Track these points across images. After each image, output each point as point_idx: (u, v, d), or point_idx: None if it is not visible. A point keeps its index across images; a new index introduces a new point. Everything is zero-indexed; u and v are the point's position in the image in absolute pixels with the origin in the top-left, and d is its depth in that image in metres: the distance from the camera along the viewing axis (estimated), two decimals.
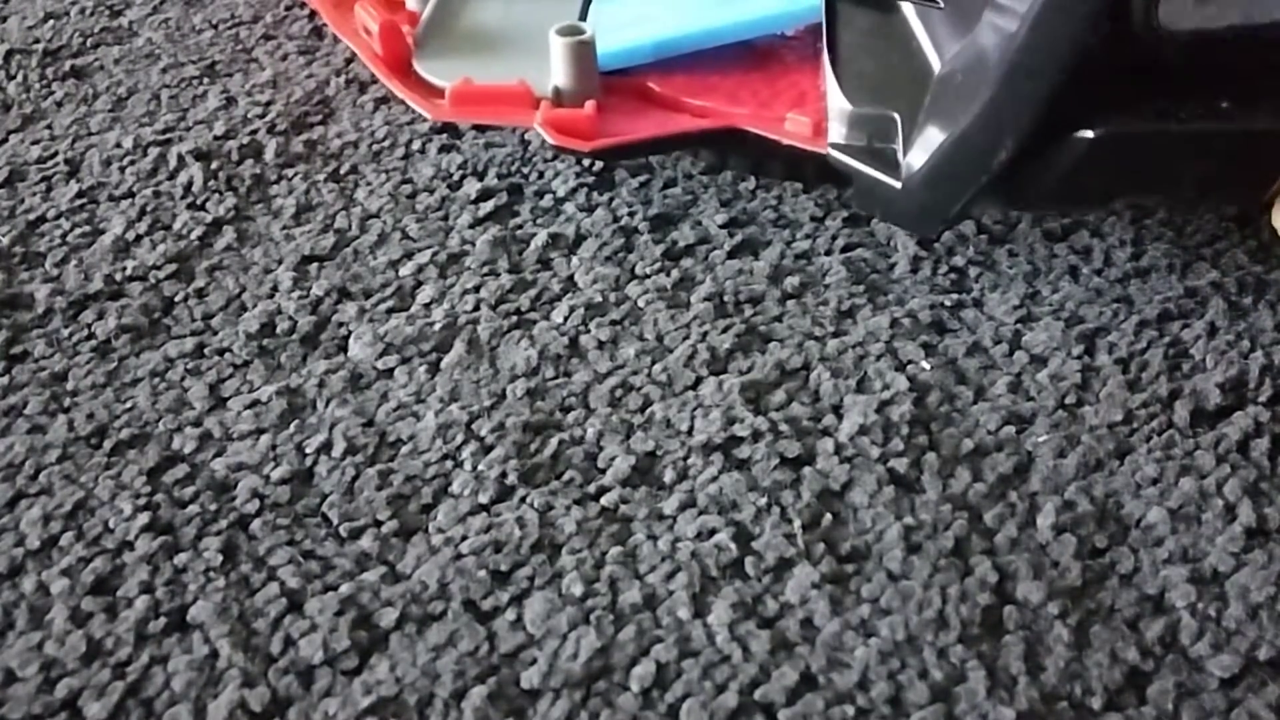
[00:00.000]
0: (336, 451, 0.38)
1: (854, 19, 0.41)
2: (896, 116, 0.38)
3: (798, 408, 0.39)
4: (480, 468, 0.37)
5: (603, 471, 0.37)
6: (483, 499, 0.36)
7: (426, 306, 0.43)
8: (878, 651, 0.32)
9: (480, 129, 0.52)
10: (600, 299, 0.43)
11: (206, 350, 0.42)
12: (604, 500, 0.36)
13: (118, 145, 0.52)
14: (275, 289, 0.44)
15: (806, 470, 0.36)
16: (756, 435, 0.37)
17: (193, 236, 0.47)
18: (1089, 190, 0.35)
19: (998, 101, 0.33)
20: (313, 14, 0.61)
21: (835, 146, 0.40)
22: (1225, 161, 0.34)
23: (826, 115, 0.41)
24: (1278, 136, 0.33)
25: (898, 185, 0.38)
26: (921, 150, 0.36)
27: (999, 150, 0.34)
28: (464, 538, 0.35)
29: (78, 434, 0.38)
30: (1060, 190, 0.35)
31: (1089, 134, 0.33)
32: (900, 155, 0.38)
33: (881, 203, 0.39)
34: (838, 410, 0.38)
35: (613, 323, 0.42)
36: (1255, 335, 0.41)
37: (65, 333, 0.42)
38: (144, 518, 0.35)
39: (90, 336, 0.42)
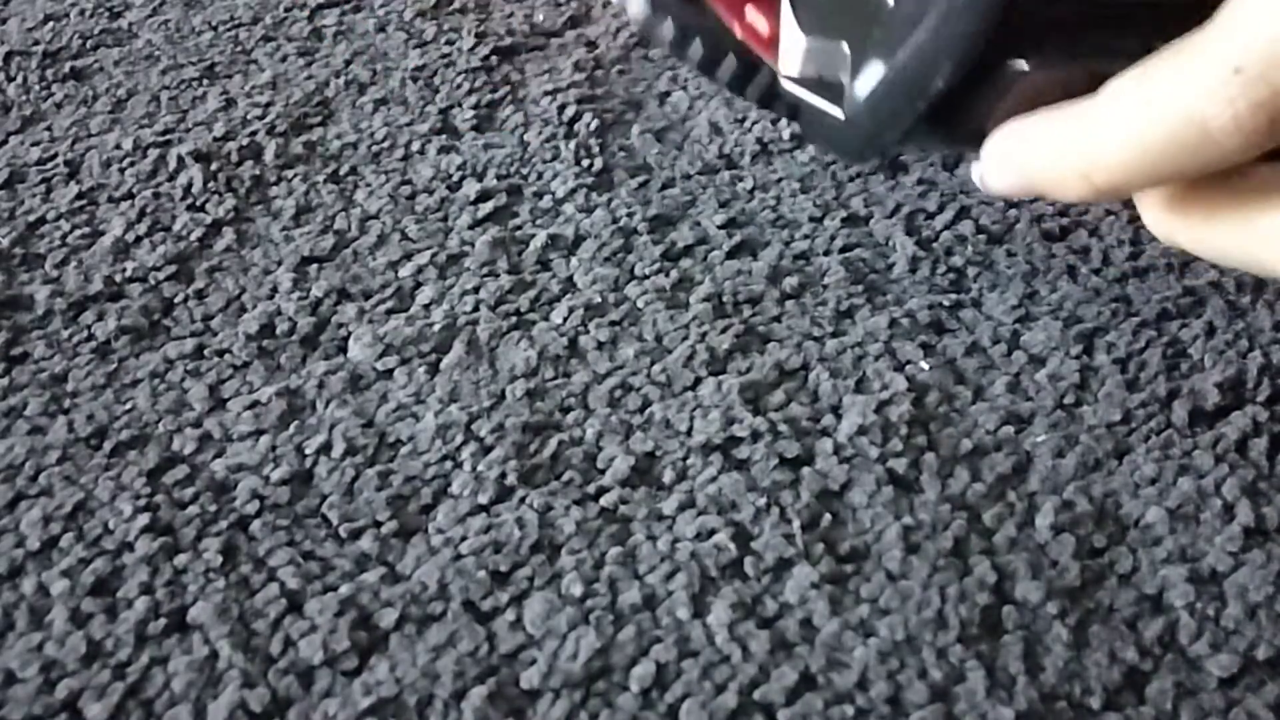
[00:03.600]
0: (336, 452, 0.38)
1: None
2: (846, 48, 0.38)
3: (796, 408, 0.39)
4: (480, 468, 0.37)
5: (602, 472, 0.37)
6: (482, 499, 0.36)
7: (426, 307, 0.43)
8: (877, 651, 0.32)
9: (479, 130, 0.53)
10: (599, 300, 0.43)
11: (206, 351, 0.42)
12: (603, 501, 0.36)
13: (117, 147, 0.52)
14: (275, 290, 0.44)
15: (805, 470, 0.36)
16: (755, 435, 0.38)
17: (192, 238, 0.47)
18: None
19: (937, 30, 0.33)
20: (312, 15, 0.61)
21: (787, 78, 0.40)
22: None
23: (780, 42, 0.41)
24: None
25: (841, 116, 0.38)
26: (866, 81, 0.37)
27: (936, 79, 0.34)
28: (463, 538, 0.35)
29: (77, 435, 0.38)
30: (995, 124, 0.35)
31: (1023, 65, 0.33)
32: (848, 87, 0.38)
33: (826, 134, 0.40)
34: (836, 410, 0.39)
35: (612, 323, 0.42)
36: (1253, 335, 0.41)
37: (65, 334, 0.42)
38: (144, 519, 0.36)
39: (90, 338, 0.42)
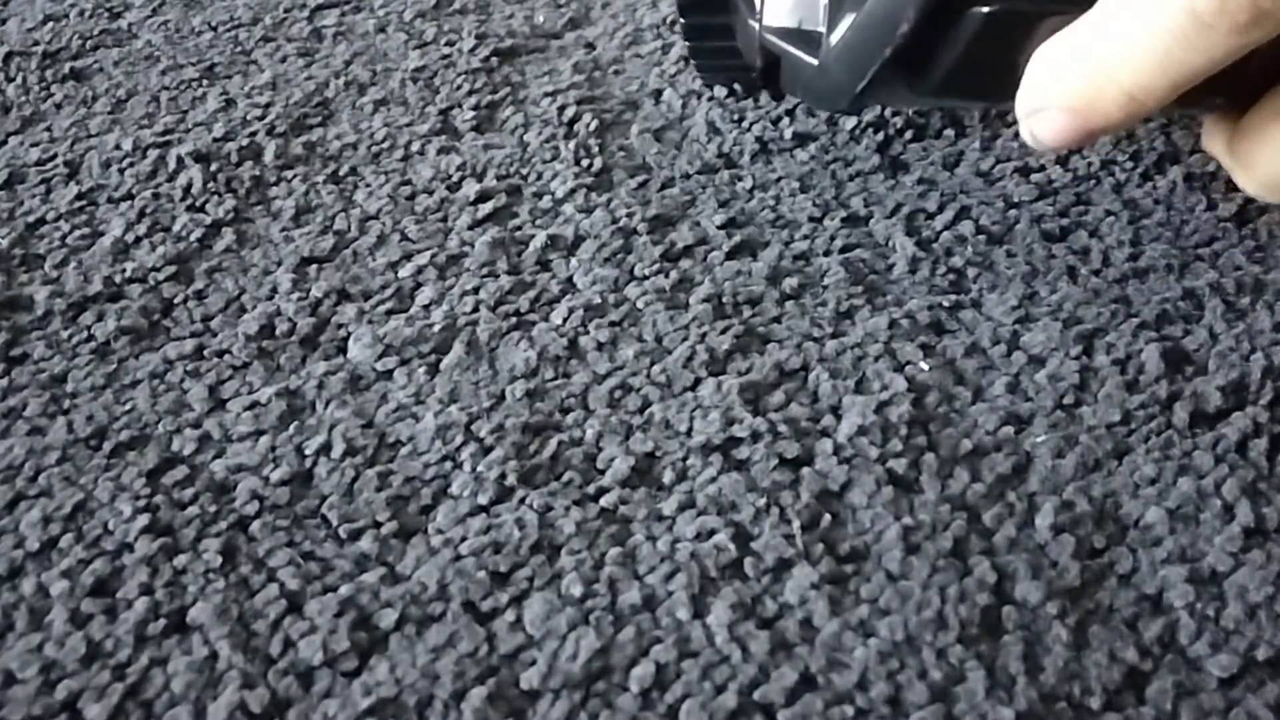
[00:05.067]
0: (336, 453, 0.38)
1: None
2: (825, 3, 0.40)
3: (796, 408, 0.39)
4: (479, 469, 0.37)
5: (602, 472, 0.37)
6: (482, 500, 0.36)
7: (426, 308, 0.43)
8: (877, 652, 0.32)
9: (479, 130, 0.53)
10: (599, 300, 0.43)
11: (206, 352, 0.42)
12: (603, 501, 0.36)
13: (117, 147, 0.52)
14: (274, 291, 0.44)
15: (805, 471, 0.37)
16: (755, 436, 0.38)
17: (192, 238, 0.47)
18: (987, 77, 0.36)
19: None
20: (312, 15, 0.61)
21: (768, 29, 0.42)
22: None
23: None
24: None
25: (814, 63, 0.39)
26: (840, 30, 0.38)
27: (900, 22, 0.35)
28: (463, 539, 0.35)
29: (77, 436, 0.39)
30: (958, 75, 0.36)
31: (983, 10, 0.34)
32: (824, 37, 0.39)
33: (801, 82, 0.42)
34: (836, 411, 0.39)
35: (611, 324, 0.42)
36: (1254, 336, 0.41)
37: (64, 335, 0.42)
38: (143, 519, 0.36)
39: (90, 338, 0.42)
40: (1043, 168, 0.49)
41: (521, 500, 0.36)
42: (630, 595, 0.33)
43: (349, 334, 0.42)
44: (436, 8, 0.63)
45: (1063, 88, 0.31)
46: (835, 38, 0.38)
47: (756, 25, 0.43)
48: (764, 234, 0.46)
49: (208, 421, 0.39)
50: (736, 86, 0.53)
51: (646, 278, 0.44)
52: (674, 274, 0.44)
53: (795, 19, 0.42)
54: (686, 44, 0.51)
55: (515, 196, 0.48)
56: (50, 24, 0.61)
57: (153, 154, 0.51)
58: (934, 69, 0.36)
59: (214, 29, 0.60)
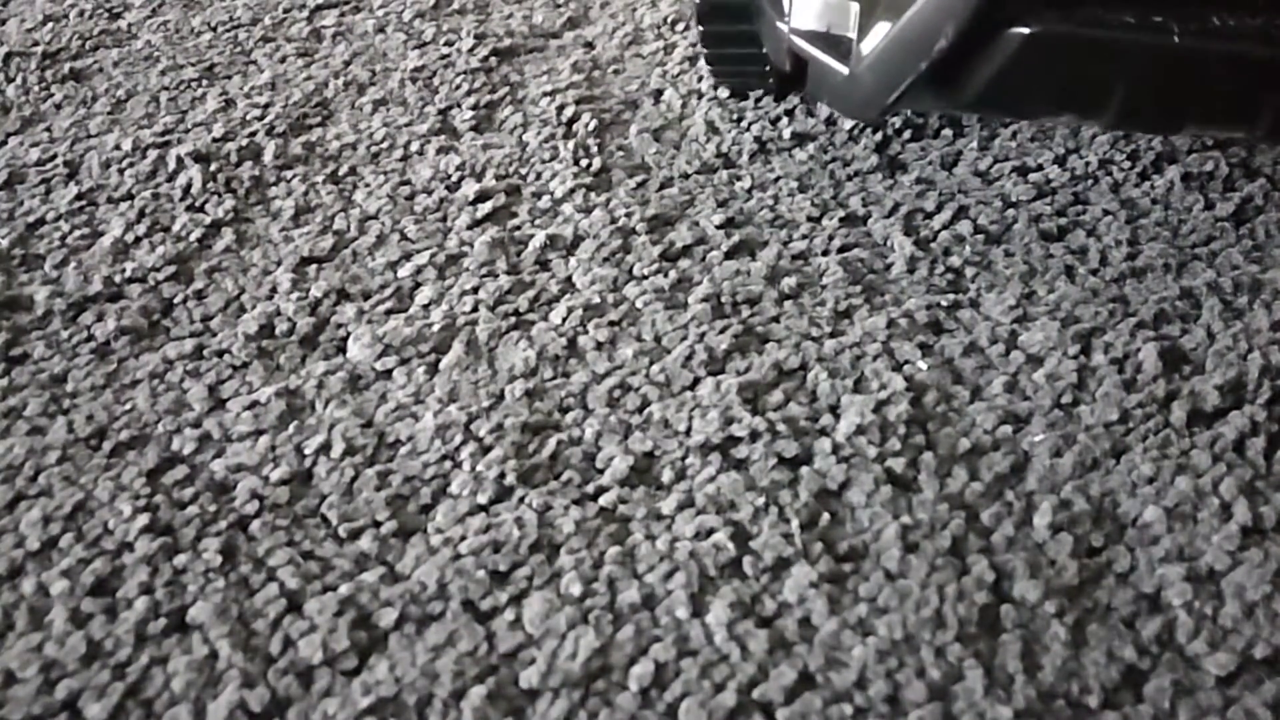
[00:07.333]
0: (335, 452, 0.38)
1: None
2: (855, 6, 0.40)
3: (795, 408, 0.39)
4: (479, 468, 0.37)
5: (601, 472, 0.37)
6: (481, 499, 0.36)
7: (425, 308, 0.43)
8: (875, 650, 0.32)
9: (478, 130, 0.53)
10: (598, 300, 0.43)
11: (205, 352, 0.42)
12: (602, 500, 0.36)
13: (117, 147, 0.52)
14: (274, 290, 0.44)
15: (804, 470, 0.37)
16: (754, 435, 0.38)
17: (192, 238, 0.47)
18: (1019, 94, 0.37)
19: None
20: (311, 16, 0.62)
21: (796, 32, 0.42)
22: (1147, 77, 0.35)
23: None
24: (1201, 58, 0.34)
25: (845, 71, 0.39)
26: (873, 40, 0.38)
27: (939, 38, 0.36)
28: (463, 538, 0.35)
29: (77, 435, 0.39)
30: (992, 91, 0.37)
31: (1023, 31, 0.34)
32: (854, 45, 0.39)
33: (829, 89, 0.42)
34: (835, 410, 0.39)
35: (611, 323, 0.42)
36: (1251, 335, 0.41)
37: (65, 334, 0.42)
38: (143, 519, 0.36)
39: (90, 338, 0.42)
40: (1040, 167, 0.49)
41: (521, 499, 0.36)
42: (629, 594, 0.33)
43: (348, 334, 0.42)
44: (436, 8, 0.63)
45: None
46: (868, 47, 0.38)
47: (785, 28, 0.43)
48: (762, 233, 0.46)
49: (208, 421, 0.39)
50: (756, 91, 0.53)
51: (645, 277, 0.44)
52: (673, 274, 0.44)
53: (824, 23, 0.42)
54: (705, 51, 0.51)
55: (514, 196, 0.49)
56: (50, 24, 0.61)
57: (152, 154, 0.51)
58: (969, 85, 0.37)
59: (214, 29, 0.60)
